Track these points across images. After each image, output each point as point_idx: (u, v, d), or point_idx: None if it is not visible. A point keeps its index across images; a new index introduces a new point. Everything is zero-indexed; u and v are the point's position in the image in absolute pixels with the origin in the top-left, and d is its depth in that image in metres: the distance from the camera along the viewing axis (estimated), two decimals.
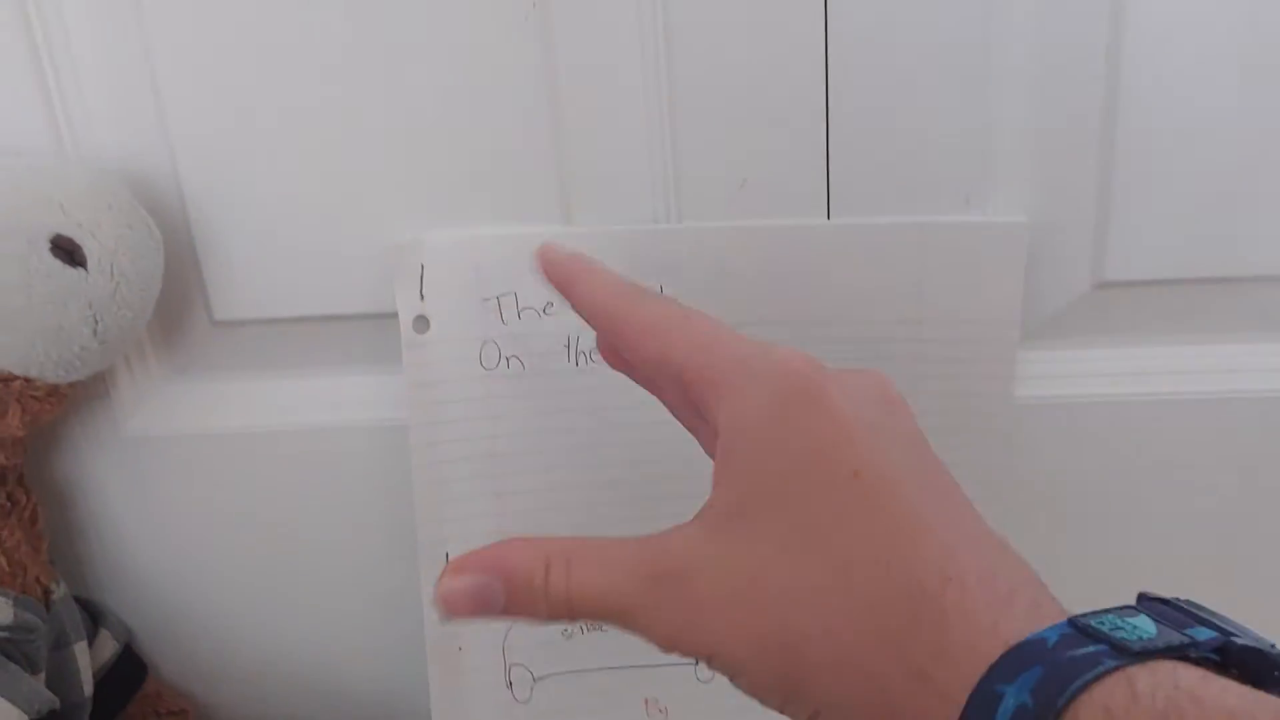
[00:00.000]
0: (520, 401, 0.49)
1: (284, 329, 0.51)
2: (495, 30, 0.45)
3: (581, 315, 0.38)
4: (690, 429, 0.38)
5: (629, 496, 0.50)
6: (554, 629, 0.52)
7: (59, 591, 0.51)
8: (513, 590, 0.32)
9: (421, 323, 0.48)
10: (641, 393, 0.49)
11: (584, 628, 0.52)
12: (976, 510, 0.31)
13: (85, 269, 0.43)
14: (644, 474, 0.50)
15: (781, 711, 0.30)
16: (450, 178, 0.48)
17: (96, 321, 0.43)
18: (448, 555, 0.50)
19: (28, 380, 0.44)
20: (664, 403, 0.39)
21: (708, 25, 0.45)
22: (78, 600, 0.52)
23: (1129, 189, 0.48)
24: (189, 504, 0.53)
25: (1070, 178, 0.48)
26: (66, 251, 0.42)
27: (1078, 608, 0.27)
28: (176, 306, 0.50)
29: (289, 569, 0.54)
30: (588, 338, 0.49)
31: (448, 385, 0.49)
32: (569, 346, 0.49)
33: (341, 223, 0.48)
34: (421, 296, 0.48)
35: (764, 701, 0.30)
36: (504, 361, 0.49)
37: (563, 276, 0.38)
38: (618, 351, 0.39)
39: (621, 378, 0.49)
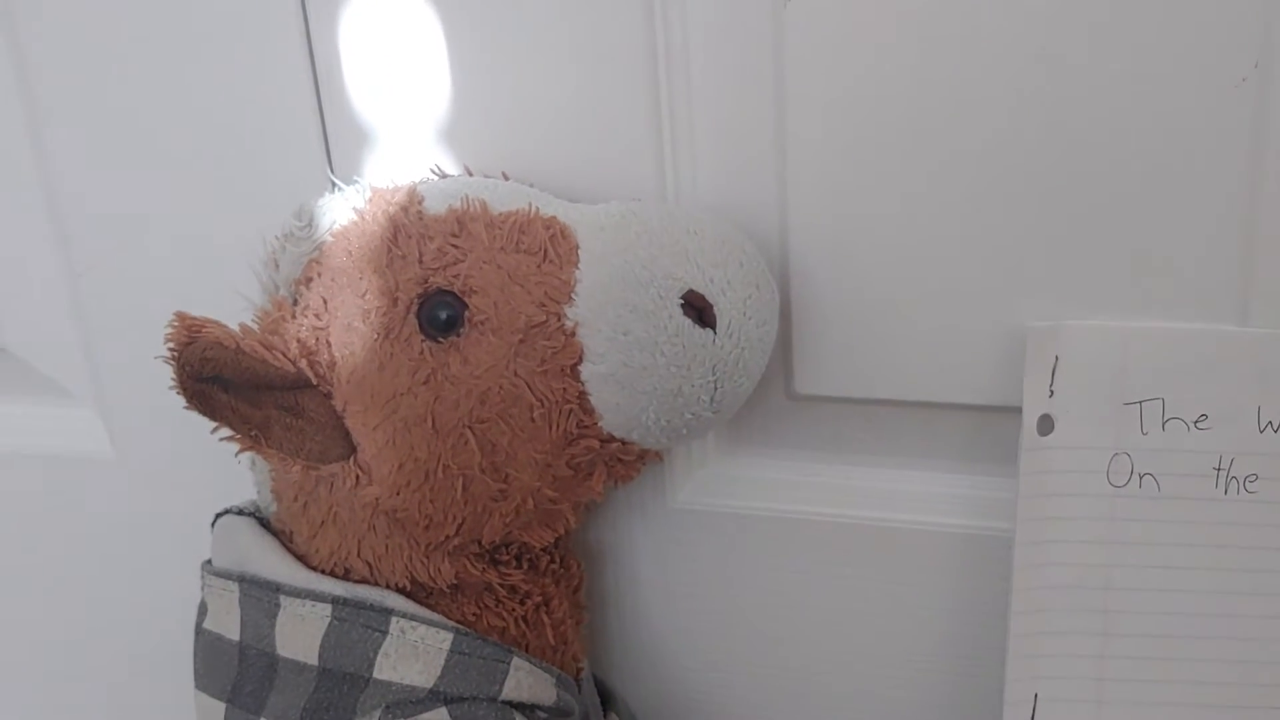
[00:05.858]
0: (1149, 529, 0.41)
1: (869, 411, 0.45)
2: (1202, 98, 0.38)
3: None
4: None
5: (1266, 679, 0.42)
6: None
7: (585, 669, 0.47)
8: None
9: (1046, 423, 0.41)
10: None
11: None
12: None
13: (714, 331, 0.38)
14: None
15: None
16: (1104, 258, 0.40)
17: (716, 388, 0.39)
18: (1036, 697, 0.43)
19: (624, 443, 0.40)
20: None
21: None
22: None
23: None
24: (718, 583, 0.48)
25: None
26: (696, 310, 0.38)
27: None
28: None
29: (815, 664, 0.49)
30: (1244, 462, 0.41)
31: (1067, 499, 0.41)
32: (1219, 470, 0.41)
33: (959, 299, 0.42)
34: (1051, 393, 0.41)
35: None
36: (1136, 479, 0.41)
37: None
38: None
39: None
